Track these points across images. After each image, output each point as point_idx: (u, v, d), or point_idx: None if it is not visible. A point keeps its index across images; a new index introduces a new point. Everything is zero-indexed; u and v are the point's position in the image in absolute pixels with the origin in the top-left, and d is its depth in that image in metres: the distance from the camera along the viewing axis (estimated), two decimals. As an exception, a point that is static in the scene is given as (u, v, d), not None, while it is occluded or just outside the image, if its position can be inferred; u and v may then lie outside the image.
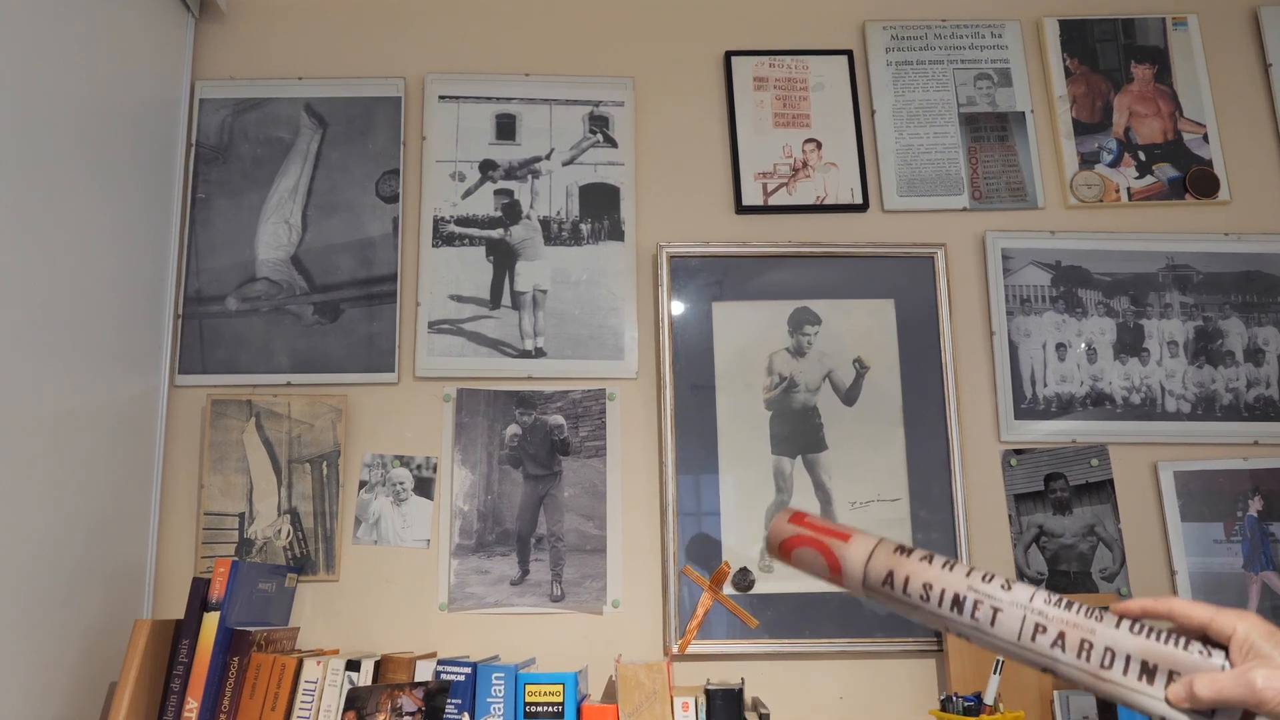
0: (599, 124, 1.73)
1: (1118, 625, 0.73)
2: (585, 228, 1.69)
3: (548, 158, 1.72)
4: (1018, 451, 1.63)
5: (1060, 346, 1.67)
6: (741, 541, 1.59)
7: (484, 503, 1.60)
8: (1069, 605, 0.76)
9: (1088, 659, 0.73)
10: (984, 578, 0.79)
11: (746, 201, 1.70)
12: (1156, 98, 1.77)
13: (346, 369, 1.63)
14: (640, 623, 1.56)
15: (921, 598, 0.79)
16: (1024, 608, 0.76)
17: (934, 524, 1.60)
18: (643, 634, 1.56)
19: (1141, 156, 1.75)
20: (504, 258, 1.68)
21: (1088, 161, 1.74)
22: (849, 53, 1.77)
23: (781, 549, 0.90)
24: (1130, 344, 1.67)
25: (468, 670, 1.33)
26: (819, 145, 1.73)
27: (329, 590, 1.56)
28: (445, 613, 1.56)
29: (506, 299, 1.66)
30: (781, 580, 1.57)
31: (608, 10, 1.79)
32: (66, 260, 1.31)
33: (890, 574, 0.81)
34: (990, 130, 1.75)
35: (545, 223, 1.69)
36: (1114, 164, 1.74)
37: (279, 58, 1.74)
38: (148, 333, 1.56)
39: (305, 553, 1.57)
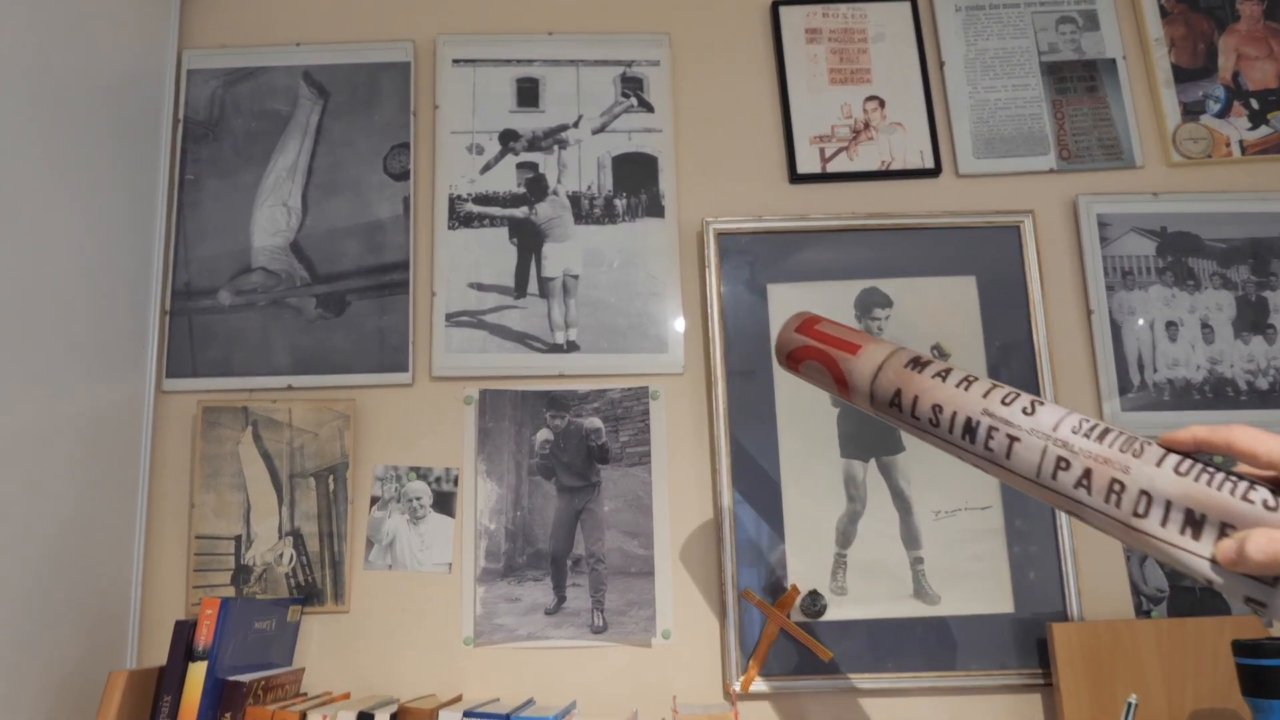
0: (632, 86, 1.52)
1: (1160, 463, 0.57)
2: (620, 203, 1.48)
3: (576, 126, 1.51)
4: (1128, 447, 1.40)
5: (1170, 325, 1.44)
6: (810, 561, 1.36)
7: (513, 519, 1.38)
8: (1103, 434, 0.60)
9: (1118, 503, 0.58)
10: (1005, 398, 0.65)
11: (802, 169, 1.49)
12: (1268, 37, 1.54)
13: (354, 369, 1.43)
14: (695, 657, 1.34)
15: (931, 421, 0.68)
16: (1045, 437, 0.62)
17: (1033, 535, 1.37)
18: (698, 670, 1.33)
19: (1254, 105, 1.51)
20: (529, 239, 1.47)
21: (1191, 112, 1.51)
22: (913, -1, 1.55)
23: (789, 360, 0.80)
24: (1253, 320, 1.44)
25: (498, 720, 1.11)
26: (882, 103, 1.51)
27: (338, 623, 1.36)
28: (471, 647, 1.34)
29: (533, 286, 1.46)
30: (859, 605, 1.35)
31: (639, -40, 1.59)
32: (34, 251, 1.12)
33: (898, 392, 0.70)
34: (1077, 80, 1.52)
35: (575, 199, 1.48)
36: (1222, 114, 1.51)
37: (274, 22, 1.55)
38: (130, 332, 1.37)
39: (311, 580, 1.36)
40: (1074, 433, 0.63)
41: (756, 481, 1.38)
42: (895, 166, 1.49)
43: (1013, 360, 1.42)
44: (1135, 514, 0.58)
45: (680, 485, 1.39)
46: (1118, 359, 1.43)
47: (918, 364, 0.73)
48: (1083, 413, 0.66)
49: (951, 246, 1.45)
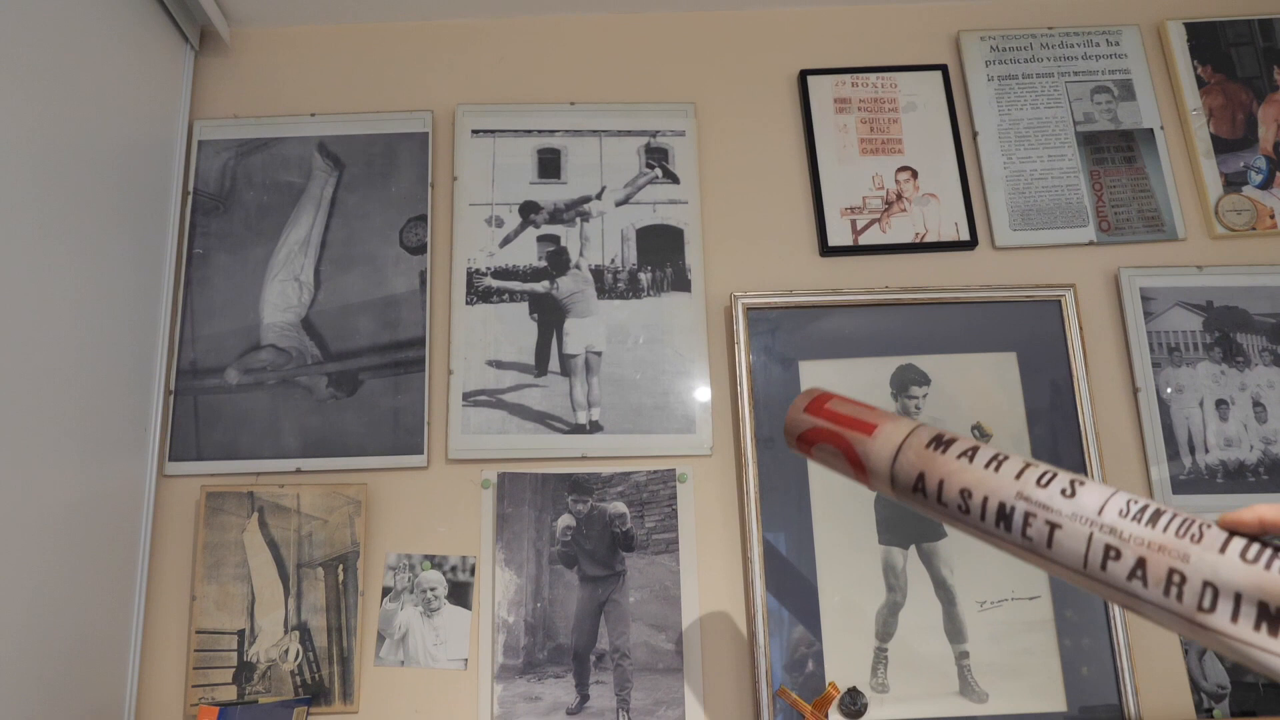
0: (657, 157, 1.48)
1: (1223, 548, 0.50)
2: (645, 277, 1.43)
3: (598, 197, 1.47)
4: (1183, 534, 1.32)
5: (1221, 403, 1.38)
6: (848, 655, 1.28)
7: (533, 612, 1.31)
8: (1155, 517, 0.53)
9: (1179, 596, 0.51)
10: (1041, 479, 0.58)
11: (833, 241, 1.44)
12: (1309, 108, 1.51)
13: (366, 451, 1.36)
14: (730, 762, 1.25)
15: (960, 508, 0.60)
16: (1090, 523, 0.55)
17: (1085, 627, 1.29)
18: (734, 776, 1.25)
19: (1298, 176, 1.47)
20: (550, 315, 1.42)
21: (1232, 183, 1.47)
22: (943, 68, 1.52)
23: (800, 444, 0.72)
24: (1308, 398, 1.38)
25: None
26: (914, 174, 1.47)
27: (346, 726, 1.27)
28: (489, 754, 1.26)
29: (554, 364, 1.40)
30: (901, 703, 1.26)
31: (662, 27, 1.56)
32: (33, 324, 1.06)
33: (922, 476, 0.63)
34: (1114, 151, 1.48)
35: (598, 272, 1.43)
36: (1265, 185, 1.47)
37: (288, 92, 1.52)
38: (132, 412, 1.30)
39: (318, 678, 1.28)
40: (1122, 516, 0.56)
41: (790, 569, 1.31)
42: (930, 239, 1.44)
43: (1057, 440, 1.36)
44: (1200, 608, 0.51)
45: (710, 574, 1.32)
46: (1167, 439, 1.37)
47: (941, 443, 0.66)
48: (1130, 491, 0.58)
49: (990, 321, 1.40)
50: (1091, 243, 1.44)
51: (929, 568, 1.32)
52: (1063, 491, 0.59)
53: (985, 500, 0.61)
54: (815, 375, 1.38)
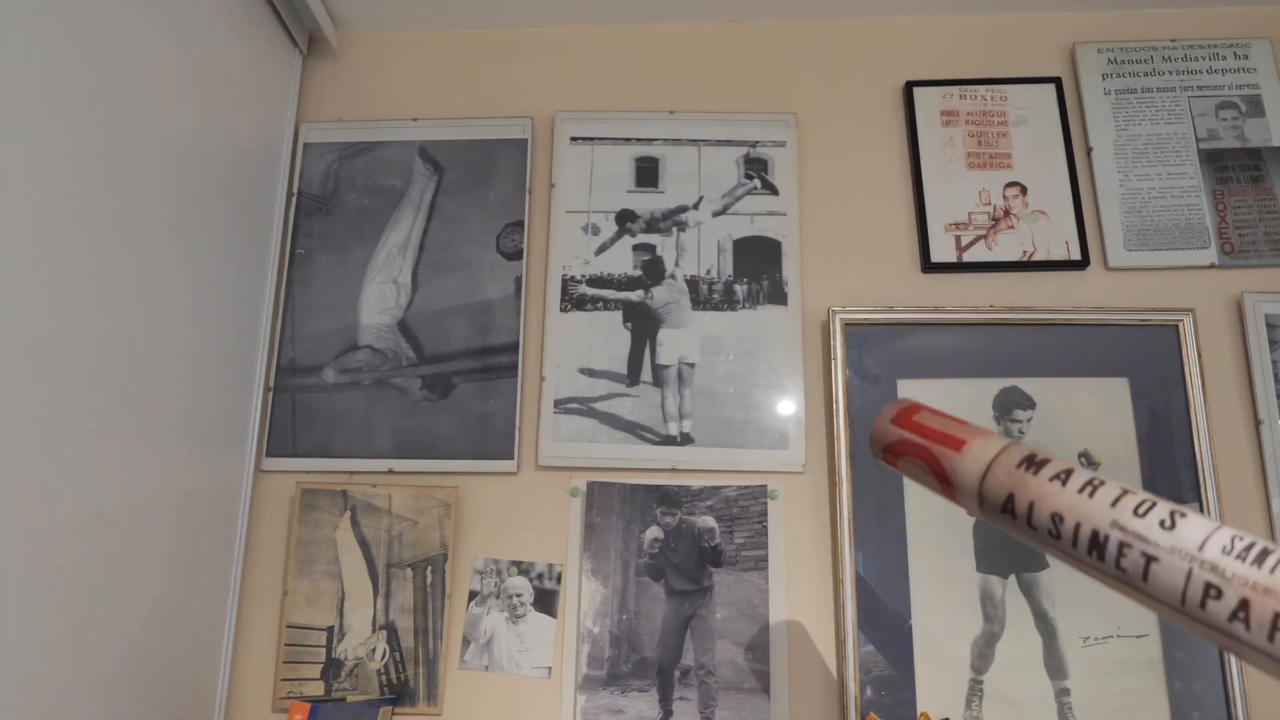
0: (756, 168, 1.46)
1: None
2: (741, 289, 1.41)
3: (695, 207, 1.45)
4: (1309, 577, 1.25)
5: (1352, 440, 1.30)
6: (942, 685, 1.24)
7: (618, 623, 1.30)
8: (1262, 556, 0.49)
9: None
10: (1138, 508, 0.54)
11: (936, 258, 1.41)
12: None
13: (458, 455, 1.37)
14: (818, 789, 1.22)
15: (1051, 533, 0.57)
16: (1189, 558, 0.51)
17: (1196, 670, 1.23)
18: (822, 805, 1.22)
19: None
20: (644, 324, 1.41)
21: (1369, 207, 1.39)
22: (1056, 80, 1.47)
23: (887, 455, 0.70)
24: None
25: None
26: (1024, 190, 1.43)
27: (430, 729, 1.28)
28: (572, 766, 1.25)
29: (647, 374, 1.39)
30: (1000, 739, 1.22)
31: (764, 37, 1.54)
32: (143, 322, 1.09)
33: (1011, 497, 0.60)
34: (1240, 169, 1.41)
35: (693, 283, 1.42)
36: (1405, 210, 1.38)
37: (392, 97, 1.54)
38: (233, 408, 1.34)
39: (403, 679, 1.29)
40: (1225, 553, 0.52)
41: (883, 593, 1.27)
42: (1038, 257, 1.39)
43: (1172, 474, 1.30)
44: None
45: (799, 594, 1.29)
46: (1291, 475, 1.29)
47: (1033, 464, 0.63)
48: (1238, 528, 0.54)
49: (1101, 345, 1.34)
50: (1213, 265, 1.38)
51: (1029, 599, 1.27)
52: (1161, 523, 0.56)
53: (1078, 527, 0.59)
54: (914, 394, 1.35)
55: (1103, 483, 0.60)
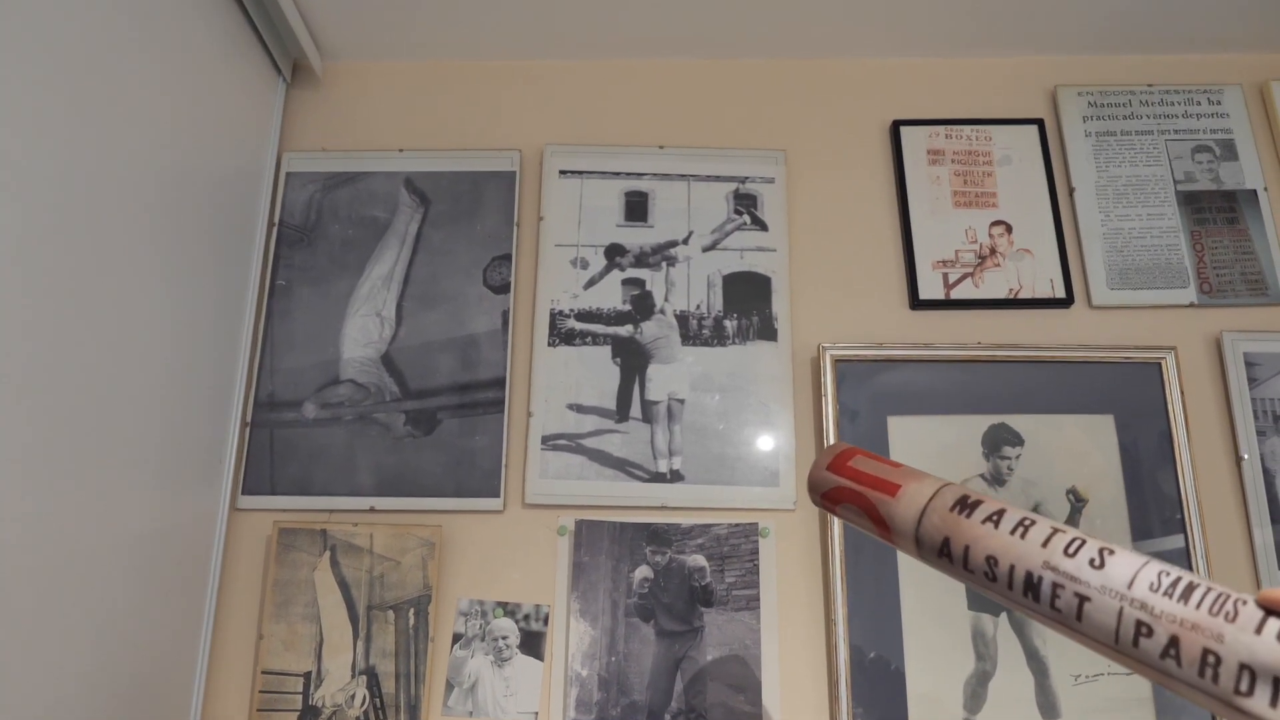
0: (745, 203, 1.48)
1: (1260, 628, 0.47)
2: (730, 324, 1.42)
3: (685, 242, 1.46)
4: (1293, 613, 1.28)
5: (1330, 476, 1.34)
6: (938, 725, 1.24)
7: (606, 666, 1.28)
8: (1188, 592, 0.50)
9: (1214, 678, 0.48)
10: (1068, 547, 0.55)
11: (924, 294, 1.43)
12: None
13: (442, 492, 1.35)
14: (814, 836, 1.21)
15: (987, 575, 0.58)
16: (1119, 596, 0.53)
17: (1186, 706, 1.25)
18: None
19: None
20: (633, 360, 1.41)
21: (1339, 249, 1.44)
22: (1039, 122, 1.51)
23: (824, 502, 0.71)
24: None
25: None
26: (1009, 228, 1.46)
27: (413, 778, 1.24)
28: (561, 815, 1.22)
29: (636, 410, 1.39)
30: (995, 781, 1.22)
31: (753, 74, 1.56)
32: (117, 350, 1.06)
33: (947, 541, 0.61)
34: (1216, 211, 1.46)
35: (683, 318, 1.43)
36: (1373, 251, 1.44)
37: (377, 127, 1.53)
38: (208, 443, 1.30)
39: (384, 726, 1.26)
40: (1153, 590, 0.53)
41: (876, 632, 1.27)
42: (1024, 295, 1.42)
43: (1158, 508, 1.32)
44: (1238, 691, 0.48)
45: (792, 634, 1.29)
46: (1273, 512, 1.32)
47: (965, 506, 0.64)
48: (1164, 562, 0.55)
49: (1087, 382, 1.37)
50: (1193, 304, 1.42)
51: (1020, 637, 1.28)
52: (1091, 561, 0.56)
53: (1012, 569, 0.59)
54: (904, 431, 1.36)
55: (1034, 522, 0.60)
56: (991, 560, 0.60)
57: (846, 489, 0.71)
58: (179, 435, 1.22)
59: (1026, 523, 0.61)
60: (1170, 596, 0.52)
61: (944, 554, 0.64)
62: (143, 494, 1.13)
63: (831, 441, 1.34)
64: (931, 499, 0.66)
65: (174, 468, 1.21)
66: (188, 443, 1.24)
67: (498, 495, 1.35)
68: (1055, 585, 0.56)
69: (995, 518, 0.62)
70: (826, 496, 0.74)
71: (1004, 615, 1.29)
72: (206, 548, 1.30)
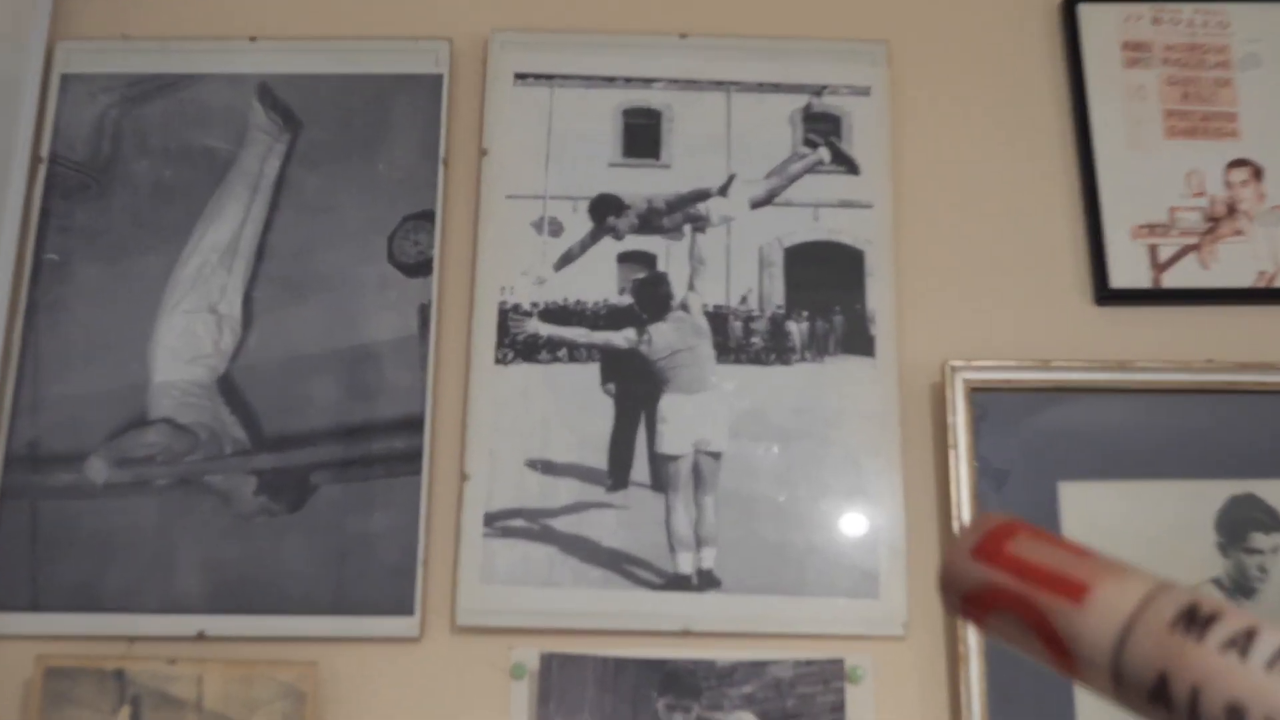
0: (823, 129, 1.49)
1: None
2: (798, 329, 1.43)
3: (723, 192, 1.47)
4: None
5: None
6: None
7: None
8: None
9: None
10: None
11: (1117, 281, 1.44)
12: None
13: (317, 607, 1.36)
14: None
15: None
16: None
17: None
18: None
19: None
20: (637, 386, 1.42)
21: None
22: (1306, -2, 1.51)
23: (964, 608, 0.66)
24: None
25: None
26: (1258, 173, 1.46)
27: None
28: None
29: (640, 469, 1.39)
30: None
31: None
32: None
33: (1164, 677, 0.54)
34: None
35: (719, 318, 1.44)
36: None
37: (213, 3, 1.53)
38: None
39: None
40: None
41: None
42: (1282, 282, 1.41)
43: None
44: None
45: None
46: None
47: (1195, 621, 0.59)
48: None
49: (1393, 427, 1.37)
50: None
51: None
52: None
53: None
54: (1086, 505, 1.38)
55: None
56: (1236, 712, 0.55)
57: (1002, 590, 0.67)
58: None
59: None
60: None
61: (1159, 698, 0.59)
62: None
63: (967, 520, 1.30)
64: (1141, 608, 0.61)
65: None
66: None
67: (411, 613, 1.35)
68: None
69: (1242, 641, 0.58)
70: (969, 600, 0.70)
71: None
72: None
